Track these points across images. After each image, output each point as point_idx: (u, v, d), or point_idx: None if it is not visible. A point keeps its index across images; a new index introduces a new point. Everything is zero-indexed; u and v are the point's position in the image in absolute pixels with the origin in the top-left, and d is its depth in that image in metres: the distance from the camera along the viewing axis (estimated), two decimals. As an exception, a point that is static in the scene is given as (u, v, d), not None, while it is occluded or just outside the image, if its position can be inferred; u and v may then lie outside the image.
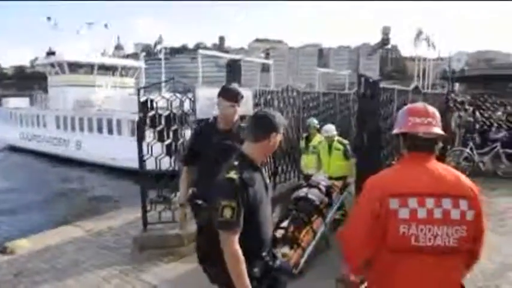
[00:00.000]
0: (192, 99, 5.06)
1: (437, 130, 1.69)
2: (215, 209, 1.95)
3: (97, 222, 6.35)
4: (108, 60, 24.15)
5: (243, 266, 1.92)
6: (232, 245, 1.91)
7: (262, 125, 2.11)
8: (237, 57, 18.24)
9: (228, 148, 2.50)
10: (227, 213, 1.91)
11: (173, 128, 5.03)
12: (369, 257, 1.65)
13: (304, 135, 6.93)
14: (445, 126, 9.03)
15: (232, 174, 1.96)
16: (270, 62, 13.06)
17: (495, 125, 10.19)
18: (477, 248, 1.71)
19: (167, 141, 5.02)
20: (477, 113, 10.44)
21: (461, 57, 21.05)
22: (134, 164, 5.21)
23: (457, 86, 21.57)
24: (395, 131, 1.76)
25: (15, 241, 5.42)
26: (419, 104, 1.79)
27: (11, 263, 4.80)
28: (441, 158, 9.20)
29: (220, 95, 2.99)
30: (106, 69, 23.47)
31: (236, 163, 2.03)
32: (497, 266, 4.48)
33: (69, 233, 5.81)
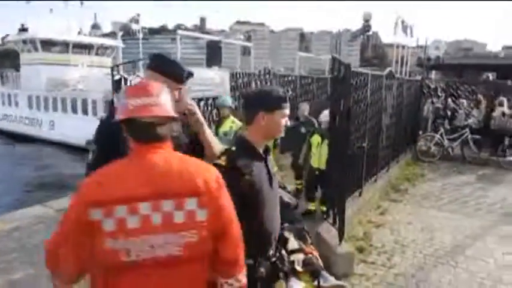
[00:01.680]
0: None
1: (160, 111, 1.36)
2: None
3: (68, 201, 6.28)
4: (84, 39, 23.41)
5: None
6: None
7: (247, 105, 1.91)
8: (216, 38, 17.97)
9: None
10: None
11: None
12: (82, 271, 1.37)
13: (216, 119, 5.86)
14: (418, 112, 9.26)
15: (222, 161, 1.76)
16: (250, 44, 13.01)
17: (464, 111, 10.53)
18: (224, 249, 1.45)
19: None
20: (449, 100, 10.75)
21: (439, 45, 21.47)
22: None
23: (433, 73, 22.04)
24: (116, 118, 1.38)
25: (-17, 221, 5.32)
26: (141, 83, 1.53)
27: (-21, 242, 4.72)
28: (412, 143, 9.48)
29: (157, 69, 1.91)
30: (82, 48, 22.76)
31: (233, 148, 1.82)
32: (459, 243, 4.73)
33: (39, 213, 5.74)
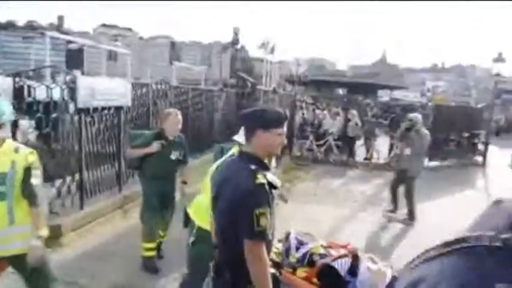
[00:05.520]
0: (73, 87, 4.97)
1: None
2: (244, 217, 1.81)
3: None
4: None
5: (269, 272, 1.88)
6: (265, 254, 1.84)
7: (246, 122, 2.05)
8: (82, 41, 16.63)
9: None
10: (264, 222, 1.79)
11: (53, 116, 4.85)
12: None
13: None
14: (292, 122, 10.67)
15: (262, 179, 1.83)
16: (126, 51, 12.57)
17: (328, 121, 12.53)
18: None
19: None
20: (316, 111, 12.64)
21: (300, 62, 24.44)
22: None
23: (296, 87, 24.95)
24: None
25: None
26: None
27: None
28: (284, 149, 10.83)
29: None
30: None
31: (254, 167, 1.88)
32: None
33: None
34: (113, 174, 5.94)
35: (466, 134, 13.02)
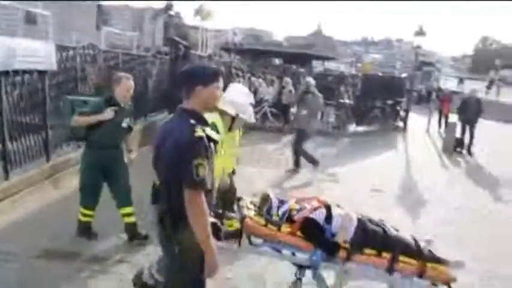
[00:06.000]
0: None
1: None
2: (183, 168, 1.92)
3: None
4: None
5: (208, 220, 2.00)
6: (203, 203, 1.95)
7: (184, 81, 2.13)
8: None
9: None
10: (202, 171, 1.91)
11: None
12: None
13: None
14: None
15: (200, 132, 1.95)
16: (44, 12, 11.51)
17: (263, 89, 12.78)
18: None
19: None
20: (252, 79, 12.80)
21: (237, 32, 24.22)
22: None
23: (232, 56, 24.80)
24: None
25: None
26: None
27: None
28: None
29: None
30: None
31: (194, 121, 2.00)
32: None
33: None
34: (40, 143, 5.62)
35: (390, 102, 14.08)
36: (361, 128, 13.22)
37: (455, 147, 10.88)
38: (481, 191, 7.37)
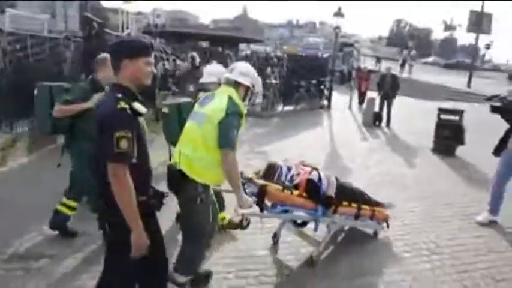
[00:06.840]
0: None
1: None
2: (105, 141, 1.86)
3: None
4: None
5: (134, 196, 1.91)
6: (126, 177, 1.88)
7: (112, 54, 2.09)
8: None
9: None
10: (124, 144, 1.85)
11: None
12: None
13: None
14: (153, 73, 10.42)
15: (123, 105, 1.90)
16: None
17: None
18: None
19: None
20: (178, 62, 12.46)
21: (160, 14, 23.28)
22: None
23: (157, 40, 23.86)
24: None
25: None
26: None
27: None
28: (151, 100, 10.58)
29: None
30: None
31: (120, 95, 1.95)
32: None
33: None
34: None
35: (314, 82, 14.64)
36: (288, 108, 13.62)
37: (374, 121, 11.72)
38: (396, 157, 8.07)
